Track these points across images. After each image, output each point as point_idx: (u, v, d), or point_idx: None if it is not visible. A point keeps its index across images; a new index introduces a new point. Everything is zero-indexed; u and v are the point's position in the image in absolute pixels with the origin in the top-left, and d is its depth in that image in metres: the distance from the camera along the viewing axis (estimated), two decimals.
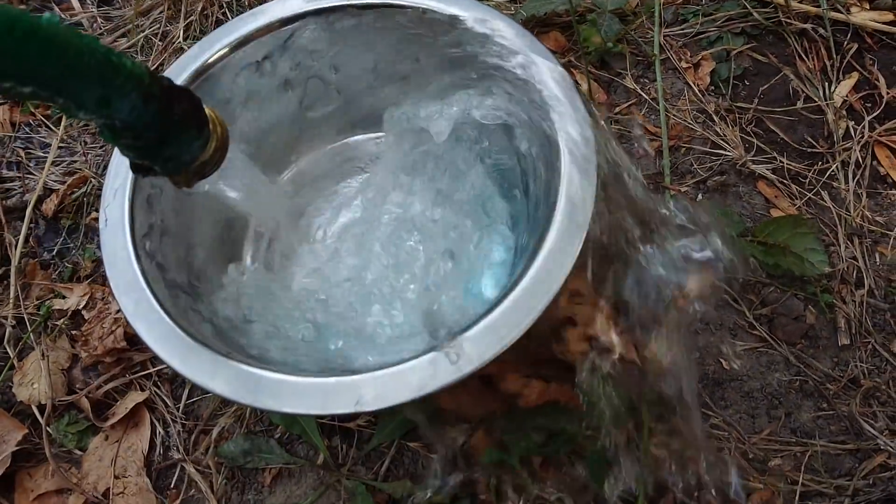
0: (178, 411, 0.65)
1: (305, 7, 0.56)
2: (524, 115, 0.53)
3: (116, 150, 0.52)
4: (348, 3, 0.56)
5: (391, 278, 0.58)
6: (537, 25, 0.82)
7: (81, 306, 0.70)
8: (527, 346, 0.54)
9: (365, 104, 0.65)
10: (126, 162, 0.50)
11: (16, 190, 0.76)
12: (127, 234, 0.49)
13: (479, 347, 0.42)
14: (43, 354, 0.67)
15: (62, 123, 0.79)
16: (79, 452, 0.64)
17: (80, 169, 0.77)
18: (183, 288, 0.52)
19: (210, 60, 0.55)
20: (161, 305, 0.45)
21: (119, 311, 0.68)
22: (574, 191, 0.46)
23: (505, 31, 0.51)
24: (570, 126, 0.48)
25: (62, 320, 0.70)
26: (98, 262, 0.73)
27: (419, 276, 0.57)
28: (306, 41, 0.58)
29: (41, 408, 0.65)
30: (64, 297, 0.71)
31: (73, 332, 0.69)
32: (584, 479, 0.59)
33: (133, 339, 0.68)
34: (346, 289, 0.58)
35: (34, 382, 0.67)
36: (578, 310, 0.64)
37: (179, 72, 0.54)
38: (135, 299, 0.46)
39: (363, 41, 0.59)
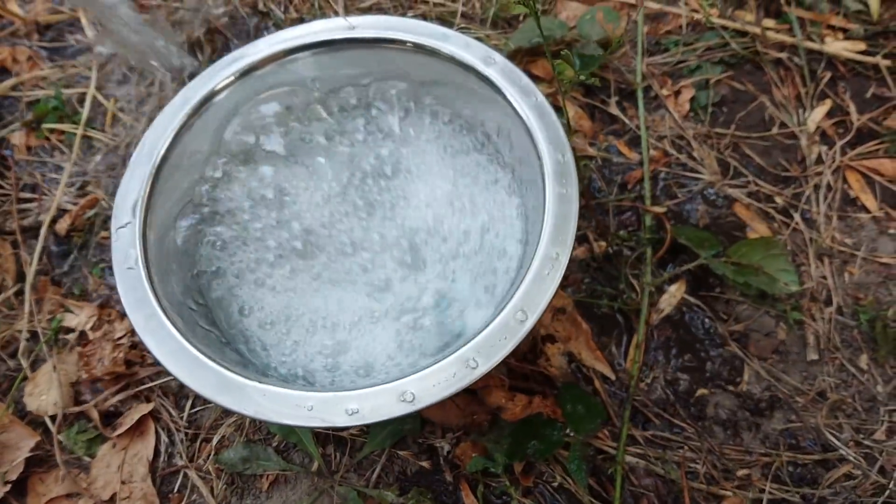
0: (181, 421, 0.69)
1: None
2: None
3: (127, 171, 0.56)
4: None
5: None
6: (527, 55, 0.86)
7: (89, 326, 0.74)
8: (510, 361, 0.57)
9: None
10: (136, 182, 0.55)
11: (32, 210, 0.80)
12: (139, 250, 0.53)
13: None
14: (54, 367, 0.71)
15: (75, 147, 0.83)
16: (88, 459, 0.68)
17: (91, 191, 0.81)
18: (189, 305, 0.56)
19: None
20: (170, 321, 0.49)
21: (122, 336, 0.73)
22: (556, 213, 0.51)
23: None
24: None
25: (70, 335, 0.74)
26: (106, 279, 0.77)
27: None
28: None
29: (53, 418, 0.69)
30: (72, 312, 0.75)
31: (79, 349, 0.73)
32: (564, 482, 0.63)
33: (132, 363, 0.72)
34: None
35: (43, 394, 0.71)
36: (559, 326, 0.68)
37: None
38: (145, 315, 0.50)
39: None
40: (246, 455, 0.65)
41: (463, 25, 0.89)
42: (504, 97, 0.56)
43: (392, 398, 0.45)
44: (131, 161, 0.57)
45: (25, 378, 0.72)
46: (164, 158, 0.57)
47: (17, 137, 0.85)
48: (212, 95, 0.60)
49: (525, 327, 0.47)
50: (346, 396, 0.46)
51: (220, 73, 0.61)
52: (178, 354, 0.48)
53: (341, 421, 0.46)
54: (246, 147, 0.64)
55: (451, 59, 0.59)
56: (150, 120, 0.59)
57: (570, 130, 0.78)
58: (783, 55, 0.85)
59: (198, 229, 0.62)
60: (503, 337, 0.46)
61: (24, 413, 0.70)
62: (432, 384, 0.46)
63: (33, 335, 0.74)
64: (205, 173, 0.62)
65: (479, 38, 0.61)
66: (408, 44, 0.60)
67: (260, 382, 0.47)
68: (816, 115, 0.82)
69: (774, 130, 0.82)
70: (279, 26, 0.91)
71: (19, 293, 0.76)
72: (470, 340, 0.46)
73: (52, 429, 0.68)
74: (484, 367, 0.46)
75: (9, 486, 0.66)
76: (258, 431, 0.67)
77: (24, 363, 0.72)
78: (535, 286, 0.48)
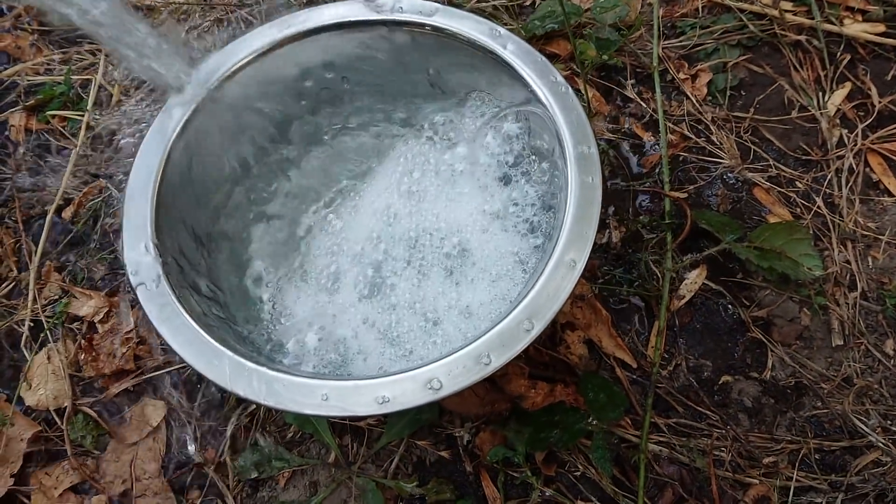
0: (193, 411, 0.67)
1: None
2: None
3: (139, 155, 0.54)
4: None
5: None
6: (545, 36, 0.84)
7: (98, 318, 0.72)
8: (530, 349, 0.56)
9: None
10: (147, 165, 0.53)
11: (36, 197, 0.79)
12: (150, 235, 0.51)
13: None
14: (49, 358, 0.69)
15: (81, 134, 0.82)
16: (96, 452, 0.66)
17: (96, 177, 0.79)
18: (202, 291, 0.55)
19: None
20: (185, 309, 0.48)
21: (130, 330, 0.71)
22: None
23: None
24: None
25: (76, 324, 0.72)
26: (112, 267, 0.75)
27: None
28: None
29: (58, 411, 0.67)
30: (77, 299, 0.73)
31: (84, 343, 0.71)
32: (586, 471, 0.62)
33: (140, 358, 0.70)
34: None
35: (41, 387, 0.69)
36: (579, 313, 0.67)
37: None
38: (160, 304, 0.48)
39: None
40: (258, 459, 0.63)
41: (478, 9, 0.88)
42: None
43: (418, 385, 0.44)
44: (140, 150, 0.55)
45: (28, 368, 0.70)
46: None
47: (17, 119, 0.83)
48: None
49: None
50: (373, 384, 0.44)
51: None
52: (194, 344, 0.47)
53: (364, 410, 0.44)
54: None
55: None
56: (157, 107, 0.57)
57: (590, 112, 0.76)
58: (802, 37, 0.84)
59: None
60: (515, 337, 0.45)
61: (25, 406, 0.68)
62: (458, 370, 0.44)
63: (37, 325, 0.72)
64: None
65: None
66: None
67: (279, 371, 0.46)
68: (836, 98, 0.81)
69: (794, 114, 0.80)
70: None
71: (23, 281, 0.74)
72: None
73: (59, 422, 0.67)
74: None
75: (13, 480, 0.65)
76: (273, 423, 0.66)
77: (28, 355, 0.71)
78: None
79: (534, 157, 0.60)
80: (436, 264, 0.58)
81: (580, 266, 0.47)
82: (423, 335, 0.54)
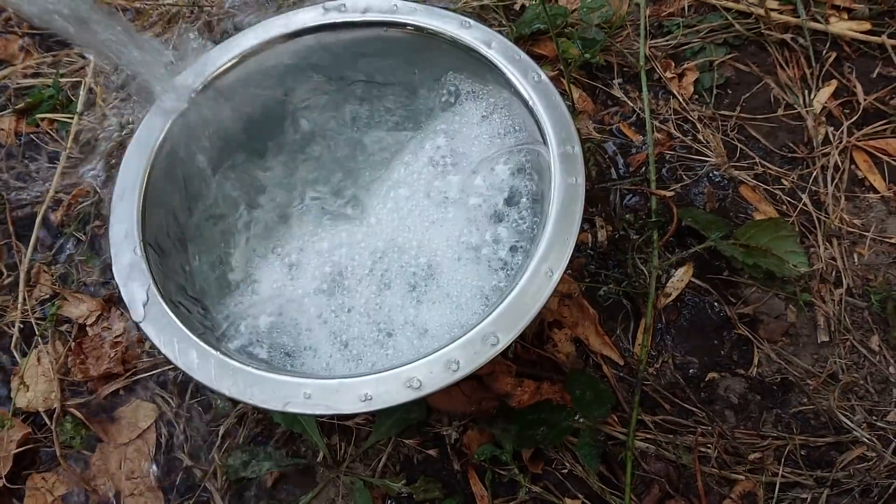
0: (182, 412, 0.67)
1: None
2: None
3: (126, 157, 0.54)
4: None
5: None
6: (532, 37, 0.85)
7: (89, 322, 0.72)
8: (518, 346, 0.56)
9: None
10: (133, 168, 0.53)
11: (25, 200, 0.79)
12: (136, 238, 0.51)
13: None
14: (38, 360, 0.69)
15: (70, 137, 0.82)
16: (87, 453, 0.67)
17: (84, 180, 0.79)
18: (189, 294, 0.55)
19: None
20: (172, 310, 0.48)
21: (120, 334, 0.71)
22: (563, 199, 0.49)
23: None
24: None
25: (65, 326, 0.72)
26: (102, 270, 0.75)
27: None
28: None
29: (48, 412, 0.68)
30: (68, 301, 0.73)
31: (73, 344, 0.71)
32: (573, 469, 0.62)
33: (128, 362, 0.70)
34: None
35: (30, 389, 0.69)
36: (566, 311, 0.67)
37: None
38: (145, 305, 0.48)
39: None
40: (246, 459, 0.63)
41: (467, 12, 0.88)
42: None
43: (399, 384, 0.44)
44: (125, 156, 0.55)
45: (17, 370, 0.70)
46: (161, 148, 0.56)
47: (7, 123, 0.83)
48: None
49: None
50: (356, 383, 0.45)
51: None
52: (181, 343, 0.47)
53: (349, 408, 0.44)
54: None
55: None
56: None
57: (574, 111, 0.77)
58: (787, 36, 0.84)
59: None
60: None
61: (14, 407, 0.68)
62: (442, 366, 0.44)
63: (27, 326, 0.72)
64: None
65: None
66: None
67: (262, 370, 0.46)
68: (822, 96, 0.81)
69: (780, 112, 0.80)
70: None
71: (13, 283, 0.74)
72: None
73: (49, 423, 0.67)
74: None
75: (1, 482, 0.65)
76: (261, 422, 0.66)
77: (18, 357, 0.71)
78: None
79: (525, 198, 0.59)
80: (400, 278, 0.58)
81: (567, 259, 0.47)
82: (374, 345, 0.55)
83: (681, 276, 0.71)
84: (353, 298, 0.58)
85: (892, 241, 0.72)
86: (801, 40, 0.84)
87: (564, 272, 0.47)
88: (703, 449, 0.63)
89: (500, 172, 0.59)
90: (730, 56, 0.84)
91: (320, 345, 0.55)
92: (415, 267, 0.57)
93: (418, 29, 0.58)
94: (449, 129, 0.61)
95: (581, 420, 0.62)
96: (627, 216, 0.74)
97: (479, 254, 0.56)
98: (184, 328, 0.48)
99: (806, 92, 0.81)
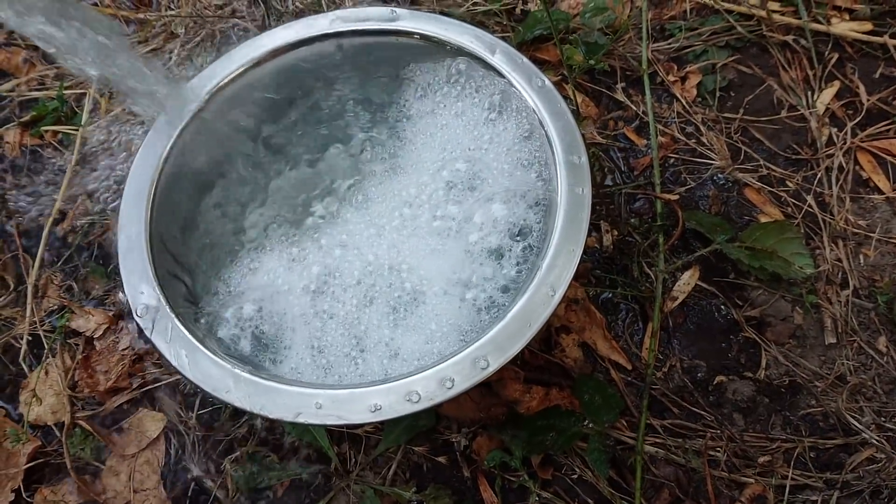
0: (191, 422, 0.67)
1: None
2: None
3: (133, 165, 0.55)
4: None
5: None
6: (535, 42, 0.85)
7: (97, 335, 0.72)
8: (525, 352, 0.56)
9: None
10: (141, 176, 0.54)
11: (31, 212, 0.79)
12: (145, 249, 0.51)
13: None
14: (47, 373, 0.70)
15: (75, 149, 0.82)
16: (97, 465, 0.67)
17: (91, 191, 0.80)
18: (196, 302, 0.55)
19: None
20: (181, 322, 0.48)
21: (126, 347, 0.71)
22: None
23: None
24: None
25: (74, 340, 0.72)
26: (108, 280, 0.75)
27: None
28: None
29: (57, 425, 0.68)
30: (76, 314, 0.73)
31: (81, 358, 0.71)
32: (583, 474, 0.62)
33: (134, 375, 0.70)
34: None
35: (38, 403, 0.69)
36: (573, 316, 0.67)
37: None
38: (152, 318, 0.49)
39: None
40: (256, 469, 0.63)
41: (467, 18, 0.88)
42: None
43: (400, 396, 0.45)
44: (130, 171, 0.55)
45: (26, 383, 0.71)
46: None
47: (12, 136, 0.83)
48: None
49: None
50: (366, 393, 0.45)
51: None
52: (191, 355, 0.47)
53: (360, 418, 0.45)
54: None
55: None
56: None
57: (578, 117, 0.77)
58: (789, 37, 0.84)
59: None
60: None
61: (25, 420, 0.69)
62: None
63: (35, 338, 0.72)
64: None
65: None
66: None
67: (274, 381, 0.46)
68: (825, 97, 0.81)
69: (783, 113, 0.81)
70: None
71: (21, 296, 0.74)
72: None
73: (59, 436, 0.67)
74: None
75: (13, 496, 0.65)
76: (271, 431, 0.66)
77: (27, 369, 0.71)
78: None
79: (529, 238, 0.59)
80: (383, 297, 0.58)
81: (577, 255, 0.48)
82: (345, 357, 0.54)
83: (687, 280, 0.71)
84: (335, 307, 0.58)
85: None
86: (803, 41, 0.84)
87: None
88: (712, 452, 0.63)
89: (508, 208, 0.58)
90: (732, 58, 0.84)
91: (296, 344, 0.55)
92: (400, 291, 0.57)
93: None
94: (472, 157, 0.61)
95: (590, 425, 0.62)
96: (633, 220, 0.74)
97: (466, 293, 0.56)
98: (193, 339, 0.48)
99: (809, 93, 0.81)
